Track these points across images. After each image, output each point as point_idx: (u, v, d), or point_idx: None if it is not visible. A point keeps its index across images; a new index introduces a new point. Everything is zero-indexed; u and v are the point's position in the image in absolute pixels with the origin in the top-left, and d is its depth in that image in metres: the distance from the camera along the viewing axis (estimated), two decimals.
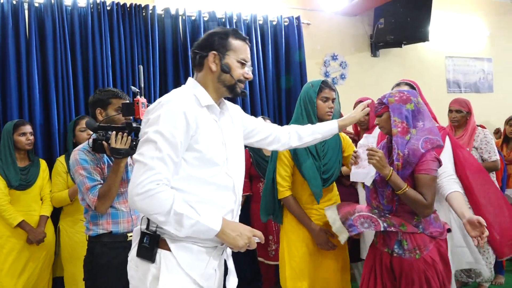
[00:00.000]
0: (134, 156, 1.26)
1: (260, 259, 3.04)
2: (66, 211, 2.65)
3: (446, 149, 2.10)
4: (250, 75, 1.44)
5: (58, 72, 2.91)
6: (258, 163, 3.03)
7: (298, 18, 3.78)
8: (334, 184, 2.25)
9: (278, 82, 3.72)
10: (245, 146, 2.97)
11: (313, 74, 3.95)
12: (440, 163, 1.79)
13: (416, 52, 4.53)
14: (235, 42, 1.39)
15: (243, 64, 1.41)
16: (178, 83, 3.31)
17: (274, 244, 2.93)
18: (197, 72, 1.42)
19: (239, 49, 1.40)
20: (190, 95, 1.34)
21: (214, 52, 1.37)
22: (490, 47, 5.05)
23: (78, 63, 2.99)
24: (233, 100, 3.37)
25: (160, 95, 3.26)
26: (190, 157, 1.29)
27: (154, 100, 3.21)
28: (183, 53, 3.32)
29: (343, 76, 4.17)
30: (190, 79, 1.43)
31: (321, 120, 2.09)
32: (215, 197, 1.34)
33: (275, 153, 2.19)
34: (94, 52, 3.02)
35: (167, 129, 1.23)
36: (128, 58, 3.14)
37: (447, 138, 2.16)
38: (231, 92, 1.41)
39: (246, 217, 3.09)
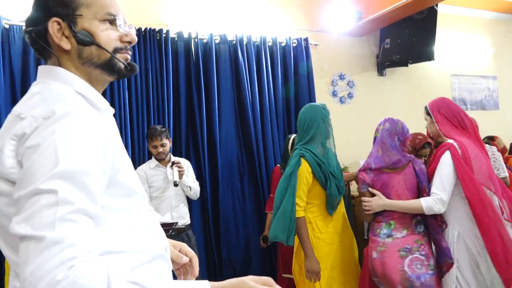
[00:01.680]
0: (16, 230, 0.67)
1: (286, 275, 3.07)
2: None
3: (439, 166, 2.16)
4: (133, 35, 0.95)
5: None
6: None
7: (306, 39, 3.88)
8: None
9: (288, 102, 3.80)
10: (276, 162, 3.26)
11: (322, 93, 4.04)
12: (366, 183, 2.30)
13: (422, 71, 4.62)
14: None
15: (112, 22, 0.92)
16: (191, 104, 3.41)
17: None
18: (47, 60, 0.92)
19: (95, 1, 0.90)
20: (74, 94, 0.86)
21: (56, 18, 0.87)
22: (494, 65, 5.13)
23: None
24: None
25: (174, 118, 3.41)
26: (112, 197, 0.82)
27: (160, 123, 3.31)
28: (196, 75, 3.42)
29: (350, 95, 4.25)
30: (49, 68, 0.90)
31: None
32: (155, 247, 0.92)
33: (293, 162, 2.27)
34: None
35: (74, 163, 0.71)
36: (143, 81, 3.23)
37: (446, 155, 2.15)
38: (112, 71, 0.93)
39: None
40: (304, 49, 3.86)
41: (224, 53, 3.55)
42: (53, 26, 0.86)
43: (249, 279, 0.83)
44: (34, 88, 0.87)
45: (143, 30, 3.26)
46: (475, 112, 4.84)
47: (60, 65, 0.89)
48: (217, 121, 3.46)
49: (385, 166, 2.28)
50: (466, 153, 2.11)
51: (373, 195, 2.27)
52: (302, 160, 2.25)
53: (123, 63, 0.93)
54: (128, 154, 2.59)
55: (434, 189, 2.14)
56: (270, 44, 3.75)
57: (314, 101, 3.84)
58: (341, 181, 2.36)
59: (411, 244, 2.16)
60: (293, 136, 3.17)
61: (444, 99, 2.37)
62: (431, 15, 4.05)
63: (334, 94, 4.18)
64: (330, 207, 2.29)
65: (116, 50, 0.92)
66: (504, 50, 5.16)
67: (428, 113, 2.35)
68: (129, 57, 0.95)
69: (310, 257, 2.21)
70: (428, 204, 2.11)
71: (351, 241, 2.45)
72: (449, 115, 2.25)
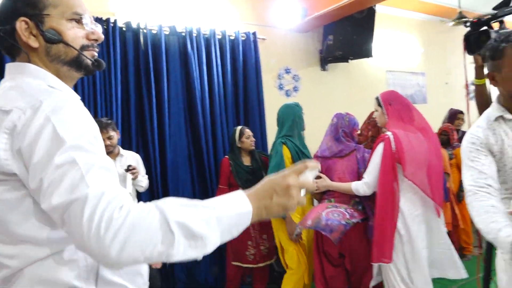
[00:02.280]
0: (55, 203, 0.73)
1: (235, 263, 3.19)
2: None
3: (373, 155, 2.46)
4: (99, 33, 0.99)
5: None
6: (237, 172, 3.18)
7: (254, 34, 3.98)
8: None
9: (236, 94, 3.89)
10: (225, 154, 3.40)
11: (269, 86, 4.18)
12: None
13: (361, 67, 4.92)
14: None
15: (79, 21, 0.95)
16: (140, 95, 3.38)
17: (253, 249, 3.15)
18: (15, 58, 0.95)
19: (62, 0, 0.93)
20: (48, 88, 0.89)
21: (23, 18, 0.90)
22: (423, 63, 5.59)
23: None
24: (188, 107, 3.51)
25: (122, 110, 3.36)
26: None
27: (108, 115, 3.23)
28: (145, 67, 3.39)
29: (295, 89, 4.43)
30: (20, 65, 0.93)
31: None
32: None
33: (279, 150, 2.74)
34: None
35: (78, 136, 0.78)
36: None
37: (380, 146, 2.42)
38: (79, 68, 0.96)
39: None
40: (252, 43, 3.96)
41: (173, 44, 3.54)
42: (21, 25, 0.89)
43: (280, 175, 0.86)
44: (6, 83, 0.90)
45: None
46: None
47: (30, 62, 0.92)
48: (166, 113, 3.46)
49: (329, 155, 2.67)
50: (400, 145, 2.32)
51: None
52: (284, 146, 2.74)
53: (90, 60, 0.97)
54: None
55: (364, 174, 2.47)
56: (219, 37, 3.80)
57: (262, 93, 3.98)
58: None
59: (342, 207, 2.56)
60: (239, 128, 3.29)
61: (395, 93, 2.60)
62: (370, 14, 4.33)
63: (280, 87, 4.33)
64: None
65: (83, 48, 0.95)
66: (432, 49, 5.63)
67: (379, 105, 2.54)
68: (95, 54, 0.99)
69: (290, 221, 2.72)
70: (356, 186, 2.49)
71: None
72: (399, 109, 2.47)
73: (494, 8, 1.91)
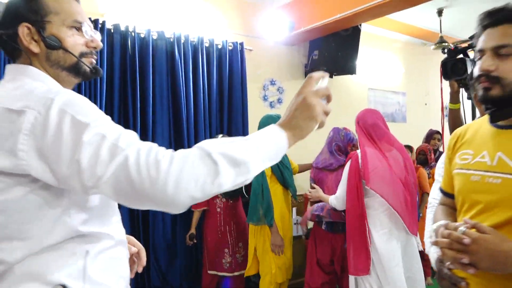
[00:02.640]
0: (100, 172, 0.80)
1: (211, 272, 3.19)
2: None
3: (343, 172, 2.63)
4: (98, 41, 1.03)
5: None
6: None
7: (241, 44, 4.03)
8: None
9: (221, 102, 3.92)
10: None
11: (253, 96, 4.22)
12: (311, 177, 3.10)
13: (344, 83, 5.03)
14: (51, 0, 0.97)
15: (79, 29, 0.99)
16: (125, 98, 3.37)
17: (230, 257, 3.16)
18: (15, 61, 0.99)
19: (64, 8, 0.97)
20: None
21: (26, 24, 0.94)
22: (404, 83, 5.75)
23: None
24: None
25: (106, 111, 3.33)
26: None
27: None
28: (131, 70, 3.39)
29: (280, 100, 4.50)
30: (21, 67, 0.96)
31: None
32: (118, 233, 1.03)
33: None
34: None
35: (96, 116, 0.85)
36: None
37: (347, 164, 2.59)
38: (77, 74, 1.01)
39: (199, 232, 3.29)
40: (239, 53, 4.00)
41: (161, 49, 3.55)
42: (23, 31, 0.94)
43: (295, 95, 0.91)
44: (8, 84, 0.94)
45: None
46: (387, 123, 5.37)
47: (31, 65, 0.96)
48: (150, 117, 3.45)
49: (321, 166, 2.91)
50: (365, 164, 2.44)
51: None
52: None
53: (88, 67, 1.01)
54: None
55: (337, 189, 2.65)
56: (207, 45, 3.84)
57: (246, 103, 4.01)
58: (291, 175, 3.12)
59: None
60: (220, 136, 3.33)
61: (366, 112, 2.68)
62: (355, 33, 4.44)
63: (265, 98, 4.38)
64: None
65: (82, 55, 1.00)
66: (413, 70, 5.81)
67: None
68: (94, 61, 1.04)
69: (276, 233, 2.89)
70: (331, 200, 2.68)
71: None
72: (364, 127, 2.57)
73: (470, 37, 2.01)
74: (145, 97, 3.42)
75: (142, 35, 3.49)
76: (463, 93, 2.22)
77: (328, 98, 0.94)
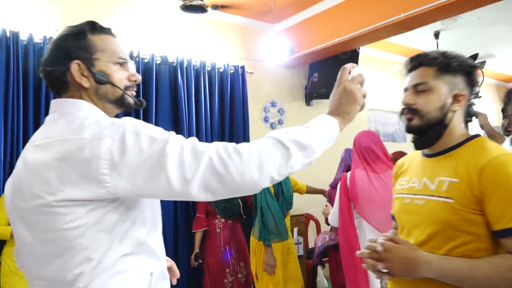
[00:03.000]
0: (187, 176, 0.88)
1: None
2: (10, 243, 2.61)
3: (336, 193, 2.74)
4: (138, 75, 1.11)
5: (8, 106, 2.89)
6: (215, 201, 3.26)
7: (243, 67, 4.14)
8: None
9: (223, 125, 4.00)
10: None
11: (255, 118, 4.31)
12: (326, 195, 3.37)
13: None
14: (98, 38, 1.05)
15: (122, 64, 1.07)
16: None
17: (231, 277, 3.22)
18: (61, 95, 1.05)
19: (109, 46, 1.06)
20: None
21: (77, 61, 1.01)
22: None
23: (30, 99, 2.99)
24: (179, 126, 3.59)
25: None
26: None
27: None
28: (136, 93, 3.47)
29: (280, 122, 4.58)
30: (72, 101, 1.03)
31: None
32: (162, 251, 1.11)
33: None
34: (48, 88, 3.05)
35: (165, 132, 0.95)
36: None
37: (339, 184, 2.67)
38: (121, 106, 1.08)
39: (201, 252, 3.37)
40: (240, 76, 4.11)
41: (164, 74, 3.66)
42: (75, 67, 1.01)
43: (335, 87, 1.07)
44: (64, 117, 1.00)
45: None
46: (387, 143, 5.38)
47: (81, 99, 1.03)
48: None
49: (332, 185, 3.17)
50: (353, 185, 2.52)
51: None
52: None
53: (133, 99, 1.10)
54: None
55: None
56: (209, 69, 3.94)
57: (248, 126, 4.09)
58: (289, 198, 3.20)
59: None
60: None
61: (362, 134, 2.73)
62: (354, 55, 4.55)
63: (266, 119, 4.47)
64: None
65: (126, 88, 1.08)
66: None
67: None
68: (134, 93, 1.13)
69: (270, 253, 2.96)
70: (329, 217, 2.82)
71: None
72: (359, 150, 2.64)
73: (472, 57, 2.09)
74: (148, 121, 3.50)
75: (146, 60, 3.60)
76: None
77: (362, 83, 1.07)
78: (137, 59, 3.53)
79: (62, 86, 1.04)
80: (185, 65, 3.78)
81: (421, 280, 1.11)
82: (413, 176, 1.30)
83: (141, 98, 1.14)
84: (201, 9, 3.23)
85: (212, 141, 3.48)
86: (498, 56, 6.06)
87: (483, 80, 2.01)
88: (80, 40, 1.03)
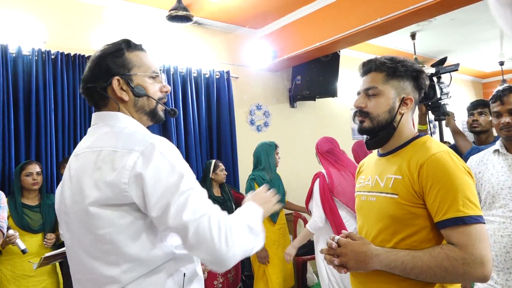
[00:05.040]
0: (185, 218, 0.96)
1: None
2: (5, 252, 2.66)
3: (313, 190, 2.92)
4: (168, 87, 1.21)
5: None
6: None
7: (228, 72, 4.25)
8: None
9: (210, 129, 4.10)
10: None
11: (241, 121, 4.42)
12: None
13: (327, 105, 5.27)
14: (133, 55, 1.15)
15: (154, 77, 1.16)
16: None
17: (222, 277, 3.33)
18: (101, 108, 1.14)
19: (143, 62, 1.15)
20: None
21: (117, 77, 1.10)
22: None
23: (20, 111, 3.04)
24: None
25: None
26: None
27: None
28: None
29: (266, 124, 4.70)
30: (112, 114, 1.12)
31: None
32: None
33: (251, 185, 3.30)
34: (37, 100, 3.11)
35: (186, 166, 1.03)
36: (71, 107, 3.28)
37: (317, 182, 2.89)
38: (154, 117, 1.18)
39: None
40: (226, 81, 4.22)
41: None
42: (115, 83, 1.11)
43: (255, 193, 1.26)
44: (103, 128, 1.10)
45: (72, 55, 3.32)
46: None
47: (119, 111, 1.12)
48: None
49: None
50: (332, 181, 2.83)
51: None
52: (254, 182, 3.31)
53: (167, 108, 1.20)
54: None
55: (313, 211, 2.91)
56: (195, 75, 4.04)
57: (234, 129, 4.20)
58: (281, 198, 3.37)
59: None
60: (214, 161, 3.51)
61: (322, 140, 3.05)
62: (334, 58, 4.71)
63: (251, 122, 4.58)
64: (272, 216, 3.30)
65: (160, 99, 1.18)
66: None
67: None
68: (165, 101, 1.22)
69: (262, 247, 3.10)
70: (308, 226, 2.90)
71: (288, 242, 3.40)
72: (322, 152, 3.00)
73: (432, 66, 2.24)
74: None
75: None
76: (428, 116, 2.45)
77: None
78: None
79: (102, 101, 1.13)
80: (171, 72, 3.86)
81: (373, 272, 1.20)
82: (368, 174, 1.38)
83: (174, 108, 1.23)
84: (186, 18, 3.32)
85: (200, 145, 3.61)
86: (472, 54, 6.31)
87: (450, 81, 2.17)
88: (118, 58, 1.12)
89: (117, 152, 1.00)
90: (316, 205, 2.84)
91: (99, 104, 1.15)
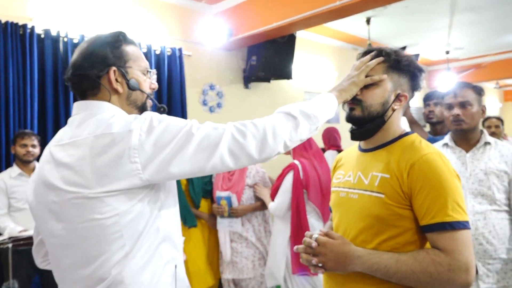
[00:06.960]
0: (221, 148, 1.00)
1: None
2: None
3: (283, 182, 2.71)
4: (156, 84, 1.21)
5: None
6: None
7: (180, 50, 4.03)
8: None
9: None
10: None
11: (193, 102, 4.24)
12: None
13: (281, 87, 5.21)
14: (130, 49, 1.14)
15: (146, 74, 1.17)
16: (57, 106, 3.24)
17: None
18: (88, 97, 1.10)
19: (138, 56, 1.15)
20: None
21: (114, 68, 1.09)
22: None
23: None
24: None
25: (39, 120, 3.18)
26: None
27: (22, 127, 3.07)
28: (63, 76, 3.26)
29: (219, 105, 4.56)
30: (99, 103, 1.09)
31: None
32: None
33: None
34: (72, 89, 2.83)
35: (175, 117, 1.04)
36: (2, 78, 2.96)
37: (289, 174, 2.70)
38: (142, 111, 1.15)
39: None
40: (178, 59, 4.00)
41: None
42: (112, 73, 1.09)
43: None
44: (93, 117, 1.06)
45: (3, 22, 2.97)
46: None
47: (109, 101, 1.10)
48: None
49: None
50: (306, 173, 2.68)
51: None
52: None
53: (158, 104, 1.20)
54: None
55: (276, 198, 2.74)
56: (144, 51, 3.78)
57: (186, 109, 4.02)
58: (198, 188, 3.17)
59: None
60: None
61: None
62: (291, 40, 4.61)
63: (204, 103, 4.42)
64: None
65: (149, 95, 1.18)
66: (345, 73, 6.03)
67: None
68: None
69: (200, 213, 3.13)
70: (270, 206, 2.75)
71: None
72: None
73: (403, 48, 2.22)
74: None
75: (75, 41, 3.36)
76: None
77: (356, 69, 1.28)
78: (65, 39, 3.29)
79: (92, 90, 1.10)
80: None
81: (353, 274, 1.14)
82: (349, 170, 1.33)
83: (163, 105, 1.23)
84: None
85: None
86: (421, 42, 6.49)
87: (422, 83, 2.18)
88: (116, 49, 1.11)
89: (116, 135, 0.98)
90: (281, 195, 2.68)
91: (87, 92, 1.11)
